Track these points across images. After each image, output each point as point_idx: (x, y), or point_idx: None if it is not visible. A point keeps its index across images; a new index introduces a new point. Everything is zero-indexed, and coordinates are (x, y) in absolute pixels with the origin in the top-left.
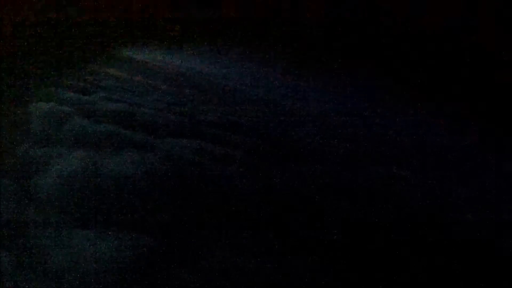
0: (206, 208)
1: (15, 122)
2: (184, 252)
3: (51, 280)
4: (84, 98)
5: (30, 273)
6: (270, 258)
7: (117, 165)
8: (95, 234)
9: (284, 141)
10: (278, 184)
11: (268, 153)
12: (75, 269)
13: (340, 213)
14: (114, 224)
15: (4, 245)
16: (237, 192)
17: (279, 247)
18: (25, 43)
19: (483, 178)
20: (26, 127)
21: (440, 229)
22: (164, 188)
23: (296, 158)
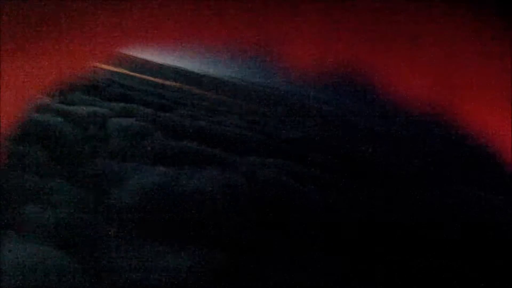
0: (282, 226)
1: (94, 135)
2: (258, 269)
3: None
4: (164, 114)
5: (101, 282)
6: (341, 279)
7: (196, 182)
8: (170, 248)
9: (360, 158)
10: (355, 202)
11: (346, 170)
12: (146, 282)
13: (415, 229)
14: (190, 240)
15: (77, 254)
16: (314, 210)
17: (352, 268)
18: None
19: None
20: (105, 140)
21: None
22: (243, 205)
23: (372, 176)
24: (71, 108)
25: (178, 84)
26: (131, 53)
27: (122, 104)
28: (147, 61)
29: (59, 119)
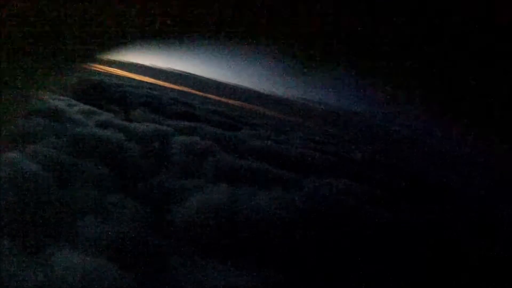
0: (344, 248)
1: (156, 153)
2: None
3: None
4: (228, 133)
5: None
6: None
7: (258, 201)
8: (229, 267)
9: (426, 180)
10: (421, 225)
11: (412, 192)
12: None
13: (480, 250)
14: (250, 259)
15: (133, 269)
16: (377, 232)
17: None
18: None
19: None
20: (167, 158)
21: None
22: (304, 226)
23: (438, 197)
24: (133, 125)
25: (242, 103)
26: (195, 72)
27: (185, 122)
28: (211, 80)
29: (121, 135)
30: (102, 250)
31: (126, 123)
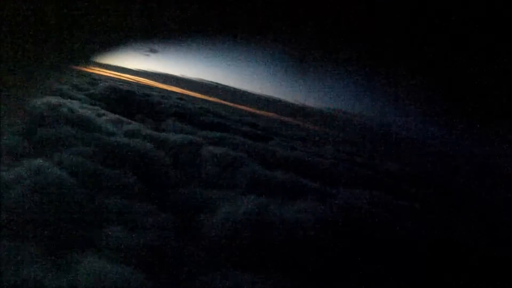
0: (374, 259)
1: (186, 163)
2: None
3: None
4: (259, 144)
5: None
6: None
7: (288, 213)
8: (258, 278)
9: (459, 193)
10: (452, 238)
11: (444, 206)
12: None
13: None
14: (279, 270)
15: (159, 278)
16: (408, 244)
17: None
18: None
19: None
20: (197, 168)
21: None
22: (335, 237)
23: (472, 211)
24: (162, 134)
25: (273, 114)
26: (225, 83)
27: (215, 133)
28: (241, 90)
29: (150, 145)
30: (128, 258)
31: (156, 133)
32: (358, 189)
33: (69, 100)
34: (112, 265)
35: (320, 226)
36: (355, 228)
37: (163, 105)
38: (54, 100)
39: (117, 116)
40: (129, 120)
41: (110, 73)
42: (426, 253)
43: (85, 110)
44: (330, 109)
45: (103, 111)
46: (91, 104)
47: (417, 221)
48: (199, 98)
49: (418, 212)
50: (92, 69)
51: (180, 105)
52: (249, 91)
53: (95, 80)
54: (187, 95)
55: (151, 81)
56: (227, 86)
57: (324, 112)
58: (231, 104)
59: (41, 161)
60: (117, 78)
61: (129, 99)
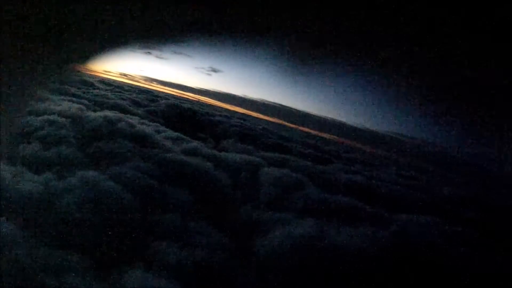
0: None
1: (244, 183)
2: None
3: None
4: (320, 167)
5: None
6: None
7: (347, 238)
8: None
9: None
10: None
11: (502, 233)
12: None
13: None
14: None
15: None
16: (463, 274)
17: None
18: None
19: None
20: (255, 189)
21: None
22: (389, 264)
23: None
24: (222, 154)
25: (335, 137)
26: (289, 105)
27: (276, 154)
28: (303, 112)
29: (209, 164)
30: (177, 276)
31: (216, 152)
32: (416, 215)
33: (128, 115)
34: (160, 281)
35: (376, 251)
36: (410, 254)
37: (224, 125)
38: (112, 114)
39: (177, 133)
40: (189, 138)
41: (171, 91)
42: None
43: (144, 126)
44: (389, 132)
45: (162, 128)
46: (151, 120)
47: (476, 250)
48: (261, 119)
49: (477, 239)
50: (154, 86)
51: (241, 125)
52: (310, 112)
53: (156, 97)
54: (249, 115)
55: (212, 100)
56: (288, 107)
57: (385, 136)
58: (293, 126)
59: (95, 173)
60: (178, 96)
61: (190, 117)
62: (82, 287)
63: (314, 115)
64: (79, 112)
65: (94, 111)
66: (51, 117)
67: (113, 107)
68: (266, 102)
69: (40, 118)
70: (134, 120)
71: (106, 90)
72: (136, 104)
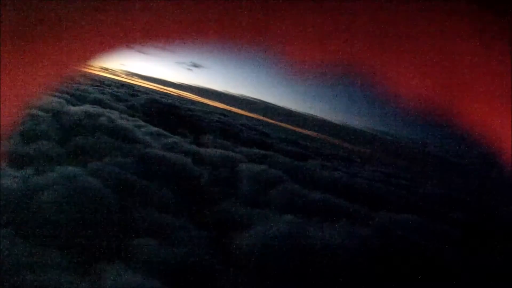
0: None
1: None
2: None
3: None
4: (298, 163)
5: None
6: None
7: (324, 234)
8: None
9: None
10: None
11: (485, 231)
12: None
13: None
14: None
15: None
16: (446, 272)
17: None
18: None
19: None
20: (234, 185)
21: None
22: (370, 261)
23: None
24: (202, 149)
25: (314, 133)
26: (270, 101)
27: (255, 150)
28: (283, 108)
29: (188, 159)
30: (157, 272)
31: (195, 148)
32: (397, 212)
33: (108, 109)
34: (139, 278)
35: (355, 248)
36: (391, 252)
37: (204, 120)
38: (92, 109)
39: (156, 128)
40: (169, 134)
41: (152, 86)
42: (463, 281)
43: (124, 121)
44: (369, 129)
45: (142, 123)
46: (131, 115)
47: (456, 248)
48: (241, 115)
49: (458, 238)
50: (135, 81)
51: (221, 120)
52: (291, 109)
53: (136, 91)
54: (229, 111)
55: (193, 95)
56: (269, 103)
57: (364, 132)
58: (273, 122)
59: (74, 168)
60: (159, 90)
61: (170, 112)
62: (62, 283)
63: (295, 112)
64: (59, 106)
65: (74, 105)
66: (31, 111)
67: (94, 102)
68: (247, 98)
69: None
70: (114, 114)
71: (87, 84)
72: (117, 98)
